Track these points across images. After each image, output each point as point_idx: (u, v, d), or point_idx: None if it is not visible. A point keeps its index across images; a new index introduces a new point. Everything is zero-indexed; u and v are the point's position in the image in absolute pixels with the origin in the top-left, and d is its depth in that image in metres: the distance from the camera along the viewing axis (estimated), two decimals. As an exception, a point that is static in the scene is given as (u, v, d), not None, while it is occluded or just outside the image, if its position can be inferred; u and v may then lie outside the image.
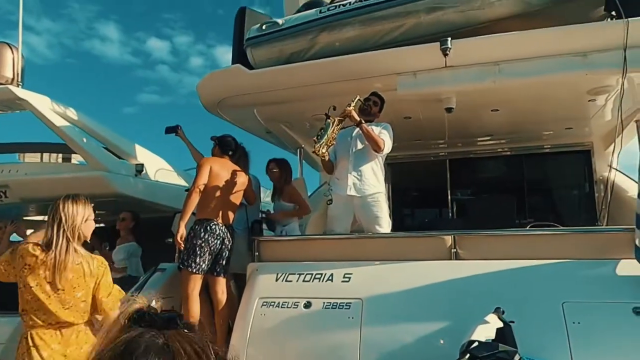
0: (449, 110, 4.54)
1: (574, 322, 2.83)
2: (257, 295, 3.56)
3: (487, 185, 6.90)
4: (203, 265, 3.82)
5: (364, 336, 3.13)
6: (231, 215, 4.08)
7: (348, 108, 3.87)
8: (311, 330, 3.30)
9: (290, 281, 3.56)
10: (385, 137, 4.07)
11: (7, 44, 4.67)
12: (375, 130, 4.03)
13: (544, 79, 3.93)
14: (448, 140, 6.23)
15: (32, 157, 6.29)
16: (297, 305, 3.41)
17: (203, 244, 3.79)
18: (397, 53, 4.06)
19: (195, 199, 3.87)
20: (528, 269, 3.13)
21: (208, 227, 3.84)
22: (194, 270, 3.78)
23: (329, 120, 3.90)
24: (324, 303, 3.35)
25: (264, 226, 5.10)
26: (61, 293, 2.37)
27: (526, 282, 3.09)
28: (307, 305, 3.38)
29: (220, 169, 4.04)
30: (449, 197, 6.71)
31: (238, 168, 4.23)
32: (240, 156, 4.51)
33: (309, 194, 6.08)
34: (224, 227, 3.94)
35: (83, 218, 2.44)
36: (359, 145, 4.08)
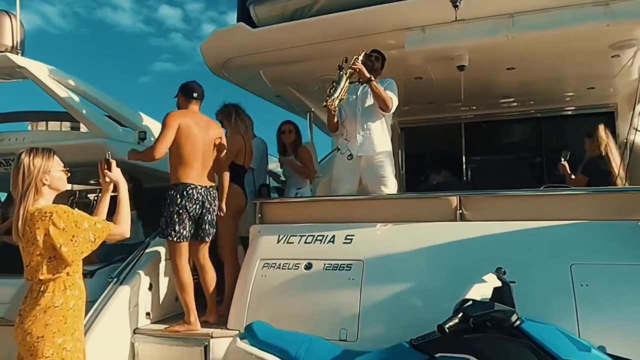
0: (461, 68, 4.34)
1: (581, 285, 2.70)
2: (259, 257, 3.52)
3: (504, 149, 6.67)
4: (184, 232, 3.55)
5: (363, 297, 3.07)
6: (211, 175, 3.74)
7: (357, 64, 3.72)
8: (311, 291, 3.25)
9: (292, 243, 3.50)
10: (392, 96, 3.95)
11: (6, 12, 4.60)
12: (381, 87, 3.88)
13: (561, 31, 3.69)
14: (463, 102, 6.01)
15: (43, 126, 6.36)
16: (298, 266, 3.36)
17: (181, 211, 3.51)
18: (405, 7, 3.86)
19: (150, 160, 3.61)
20: (536, 231, 2.99)
21: (185, 192, 3.52)
22: (175, 239, 3.54)
23: (342, 72, 3.76)
24: (324, 264, 3.29)
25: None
26: (23, 250, 2.32)
27: (533, 243, 2.95)
28: (308, 266, 3.33)
29: (192, 124, 3.62)
30: (464, 162, 6.52)
31: (212, 120, 3.91)
32: (241, 118, 4.38)
33: (318, 158, 6.00)
34: (202, 189, 3.61)
35: (40, 170, 2.36)
36: (366, 104, 3.95)
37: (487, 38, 3.83)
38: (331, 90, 3.75)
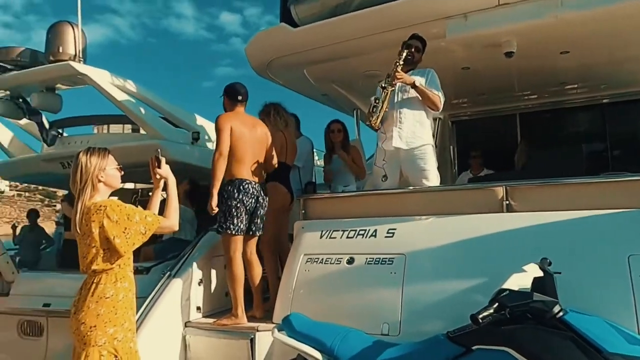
0: (508, 54, 4.16)
1: None
2: (302, 252, 3.56)
3: (563, 140, 6.28)
4: (241, 226, 3.72)
5: (405, 291, 3.01)
6: (261, 172, 3.92)
7: (399, 72, 3.70)
8: (353, 286, 3.24)
9: (335, 238, 3.51)
10: (438, 93, 3.85)
11: (69, 22, 4.96)
12: (422, 81, 3.80)
13: (614, 9, 3.44)
14: (517, 92, 5.75)
15: (107, 129, 6.77)
16: (340, 261, 3.36)
17: (239, 205, 3.68)
18: None
19: (222, 163, 3.70)
20: (589, 220, 2.80)
21: (241, 187, 3.70)
22: (234, 232, 3.68)
23: (384, 92, 3.77)
24: (366, 259, 3.27)
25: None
26: (80, 242, 2.47)
27: (586, 233, 2.77)
28: (350, 261, 3.32)
29: (240, 125, 3.79)
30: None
31: (257, 120, 4.08)
32: (279, 114, 4.41)
33: (366, 156, 5.96)
34: (257, 185, 3.81)
35: (96, 168, 2.51)
36: (404, 96, 3.88)
37: (533, 21, 3.65)
38: (373, 109, 3.77)
